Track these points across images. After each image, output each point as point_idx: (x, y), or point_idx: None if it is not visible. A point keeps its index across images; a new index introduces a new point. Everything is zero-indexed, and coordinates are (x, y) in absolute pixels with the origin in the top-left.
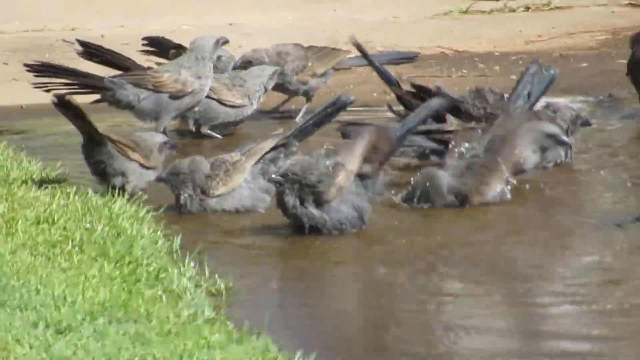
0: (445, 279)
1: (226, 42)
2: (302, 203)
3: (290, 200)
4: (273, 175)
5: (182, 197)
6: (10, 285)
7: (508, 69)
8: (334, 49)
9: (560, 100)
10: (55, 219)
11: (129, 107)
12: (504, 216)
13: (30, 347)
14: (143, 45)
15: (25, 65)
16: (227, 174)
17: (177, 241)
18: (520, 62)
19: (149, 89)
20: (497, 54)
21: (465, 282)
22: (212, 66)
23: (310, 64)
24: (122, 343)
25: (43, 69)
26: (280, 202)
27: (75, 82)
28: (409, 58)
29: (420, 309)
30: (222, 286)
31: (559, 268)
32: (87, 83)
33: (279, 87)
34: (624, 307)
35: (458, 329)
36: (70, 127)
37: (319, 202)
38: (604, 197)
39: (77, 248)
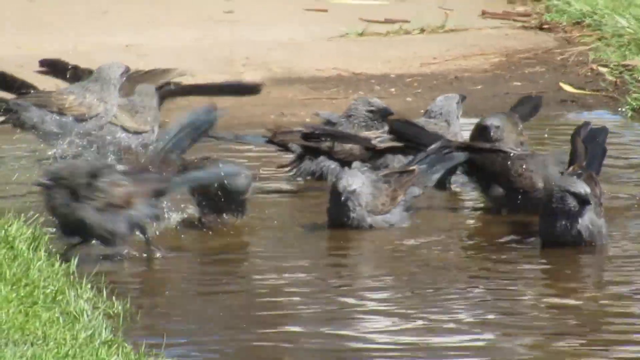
0: None
1: (128, 71)
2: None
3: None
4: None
5: None
6: None
7: (403, 91)
8: (164, 70)
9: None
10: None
11: (33, 129)
12: None
13: None
14: (40, 67)
15: None
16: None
17: (74, 263)
18: (415, 84)
19: (53, 112)
20: (392, 75)
21: None
22: (117, 93)
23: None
24: None
25: None
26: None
27: None
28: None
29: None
30: (120, 308)
31: None
32: None
33: None
34: None
35: None
36: None
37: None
38: None
39: None
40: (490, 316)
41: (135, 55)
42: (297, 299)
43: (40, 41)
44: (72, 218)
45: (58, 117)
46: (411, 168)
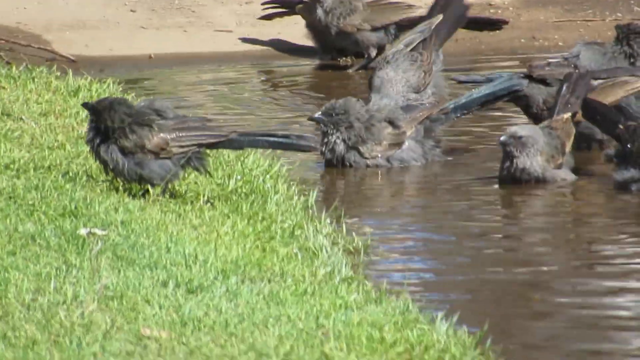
0: None
1: None
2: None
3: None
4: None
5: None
6: (139, 243)
7: None
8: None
9: None
10: (185, 173)
11: None
12: None
13: (160, 308)
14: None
15: None
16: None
17: (313, 197)
18: None
19: None
20: None
21: None
22: None
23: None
24: (255, 303)
25: None
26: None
27: None
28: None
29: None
30: (360, 244)
31: None
32: None
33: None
34: None
35: None
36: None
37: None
38: None
39: (208, 204)
40: None
41: None
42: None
43: None
44: None
45: None
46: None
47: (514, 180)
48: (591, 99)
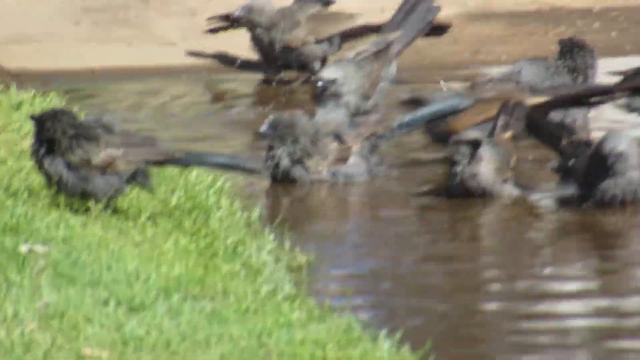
0: None
1: None
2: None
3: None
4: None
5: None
6: (81, 261)
7: (608, 26)
8: None
9: None
10: (128, 189)
11: None
12: None
13: (101, 326)
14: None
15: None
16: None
17: (257, 212)
18: (621, 18)
19: None
20: (596, 9)
21: None
22: None
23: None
24: (198, 321)
25: None
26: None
27: None
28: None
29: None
30: (303, 261)
31: None
32: None
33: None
34: None
35: None
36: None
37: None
38: None
39: (150, 220)
40: None
41: None
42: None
43: None
44: None
45: None
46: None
47: (462, 189)
48: (536, 114)
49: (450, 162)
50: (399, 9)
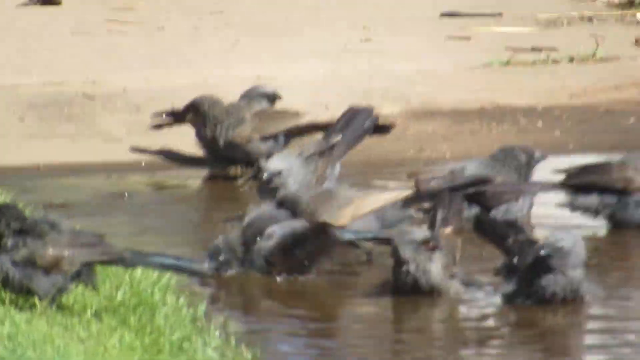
0: None
1: None
2: None
3: None
4: None
5: None
6: (25, 357)
7: (551, 125)
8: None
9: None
10: (73, 286)
11: None
12: None
13: None
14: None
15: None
16: None
17: (202, 308)
18: (564, 117)
19: None
20: (539, 108)
21: None
22: None
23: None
24: None
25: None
26: None
27: None
28: None
29: None
30: (249, 356)
31: None
32: None
33: None
34: None
35: None
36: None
37: None
38: None
39: (96, 317)
40: None
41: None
42: None
43: (169, 74)
44: None
45: None
46: None
47: (410, 287)
48: (484, 215)
49: (397, 260)
50: (339, 117)
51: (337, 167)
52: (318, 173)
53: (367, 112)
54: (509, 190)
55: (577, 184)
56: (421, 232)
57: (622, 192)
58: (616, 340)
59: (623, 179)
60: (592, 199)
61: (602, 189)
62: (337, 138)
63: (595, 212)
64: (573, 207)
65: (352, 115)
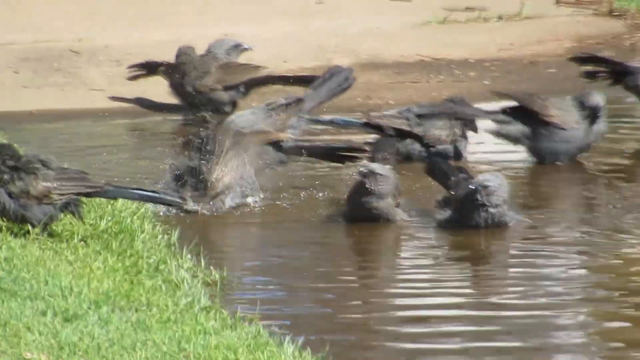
0: None
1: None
2: None
3: None
4: None
5: None
6: (20, 277)
7: (482, 75)
8: (256, 67)
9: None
10: (62, 215)
11: None
12: None
13: (40, 334)
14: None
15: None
16: None
17: (175, 235)
18: (493, 68)
19: None
20: (472, 60)
21: None
22: None
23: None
24: (124, 329)
25: None
26: None
27: None
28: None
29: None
30: (217, 276)
31: None
32: None
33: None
34: None
35: None
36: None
37: None
38: None
39: (82, 242)
40: None
41: None
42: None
43: (147, 32)
44: None
45: None
46: None
47: (362, 215)
48: (436, 158)
49: (359, 190)
50: (319, 77)
51: (302, 122)
52: (278, 123)
53: (347, 72)
54: (447, 111)
55: (507, 108)
56: (375, 165)
57: (541, 123)
58: (532, 253)
59: (544, 107)
60: (514, 128)
61: (526, 115)
62: (307, 92)
63: (515, 140)
64: (499, 134)
65: (332, 73)
